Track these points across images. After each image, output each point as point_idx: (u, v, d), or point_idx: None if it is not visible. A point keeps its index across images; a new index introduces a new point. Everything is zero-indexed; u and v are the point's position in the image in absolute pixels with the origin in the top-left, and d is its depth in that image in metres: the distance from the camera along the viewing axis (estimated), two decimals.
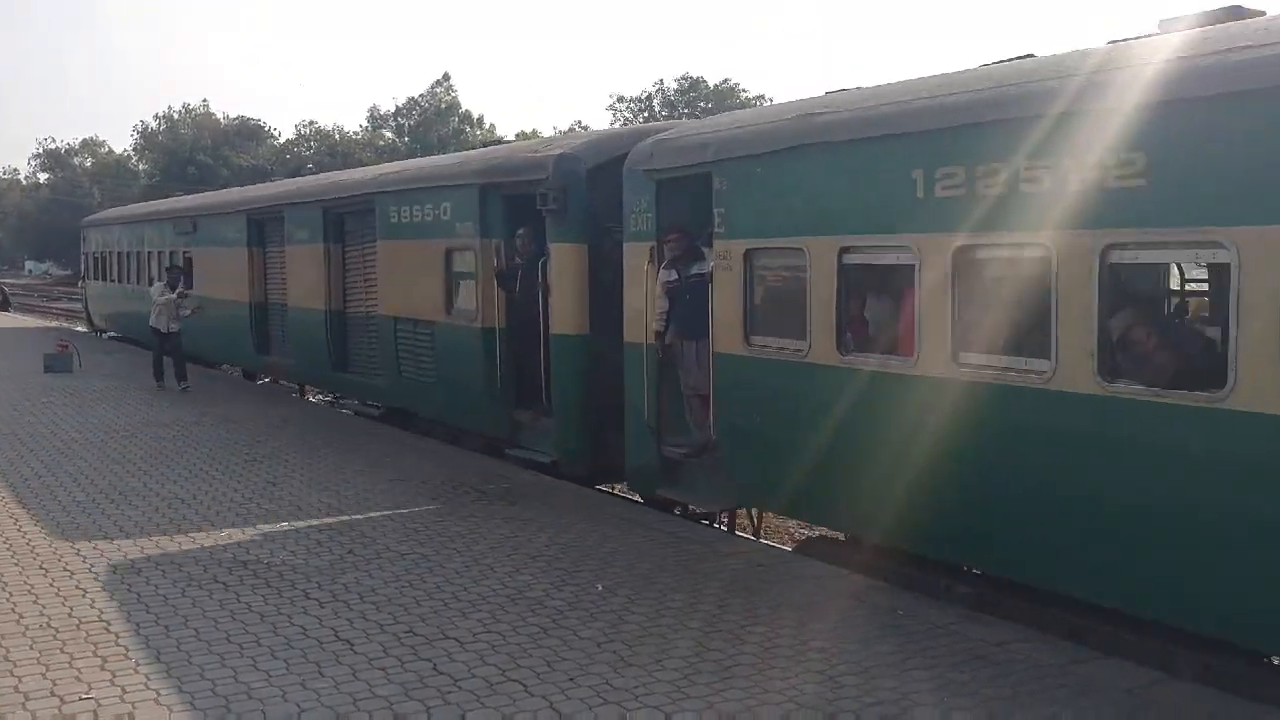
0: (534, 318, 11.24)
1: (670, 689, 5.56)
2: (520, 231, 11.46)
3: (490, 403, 11.92)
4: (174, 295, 17.53)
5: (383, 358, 14.26)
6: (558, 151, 11.07)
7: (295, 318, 17.04)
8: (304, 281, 16.45)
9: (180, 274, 19.05)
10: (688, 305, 9.12)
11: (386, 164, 21.35)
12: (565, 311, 10.76)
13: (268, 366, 19.11)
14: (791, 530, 11.78)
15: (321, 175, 22.22)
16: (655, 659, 5.96)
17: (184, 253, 21.49)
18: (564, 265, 10.75)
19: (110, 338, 28.27)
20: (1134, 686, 5.66)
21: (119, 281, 26.68)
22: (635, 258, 9.68)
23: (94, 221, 32.69)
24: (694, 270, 9.15)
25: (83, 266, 31.90)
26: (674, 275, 9.24)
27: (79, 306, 58.44)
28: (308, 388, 19.14)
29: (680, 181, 9.23)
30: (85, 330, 31.33)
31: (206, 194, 30.25)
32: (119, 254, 26.88)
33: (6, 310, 44.59)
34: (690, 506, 9.83)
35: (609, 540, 8.49)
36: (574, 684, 5.62)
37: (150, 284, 20.43)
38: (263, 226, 18.44)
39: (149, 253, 24.22)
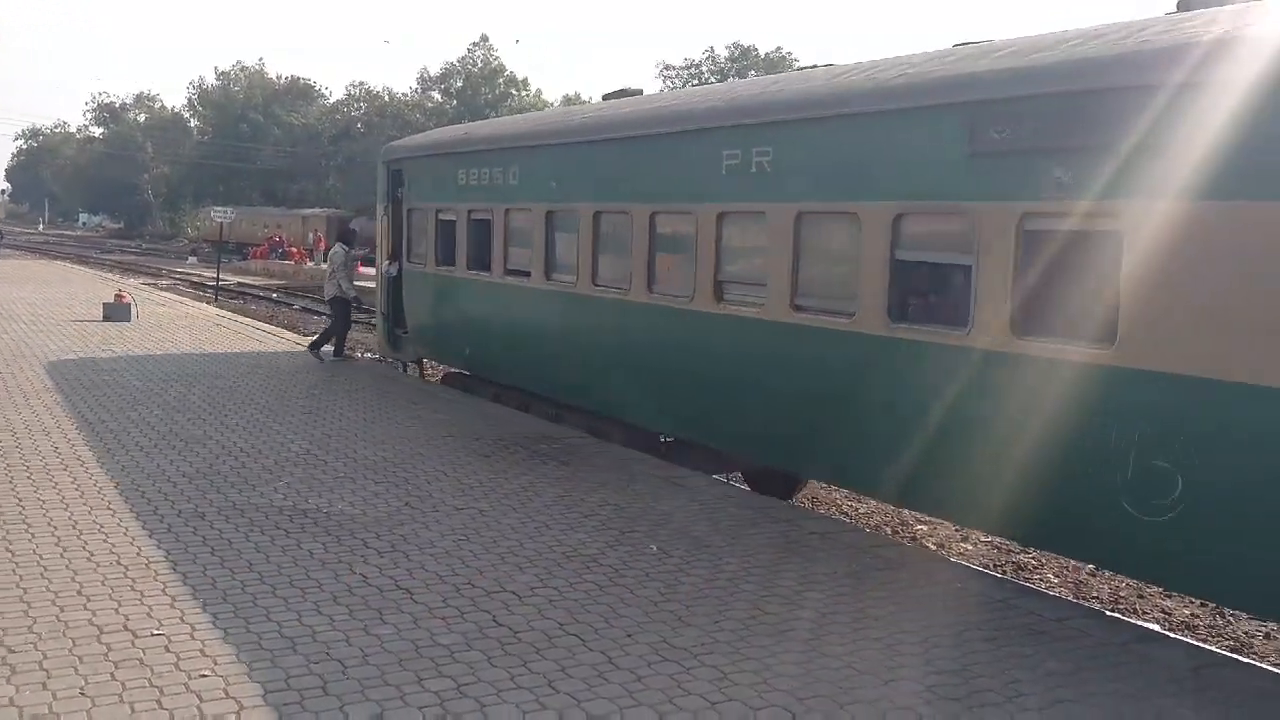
0: None
1: (728, 649, 5.58)
2: None
3: None
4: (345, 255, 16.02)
5: None
6: None
7: None
8: None
9: (354, 234, 17.15)
10: None
11: None
12: None
13: None
14: None
15: None
16: (712, 620, 5.99)
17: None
18: None
19: (449, 376, 15.35)
20: (1200, 665, 5.61)
21: (493, 273, 12.90)
22: None
23: (425, 148, 15.49)
24: None
25: (391, 231, 15.77)
26: None
27: (135, 259, 58.85)
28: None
29: None
30: (371, 355, 18.59)
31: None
32: (497, 215, 12.78)
33: None
34: None
35: (661, 502, 8.52)
36: (632, 640, 5.66)
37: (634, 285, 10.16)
38: None
39: (644, 214, 10.07)
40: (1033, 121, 6.59)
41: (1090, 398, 6.23)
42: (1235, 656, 6.77)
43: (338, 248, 16.52)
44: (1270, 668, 6.58)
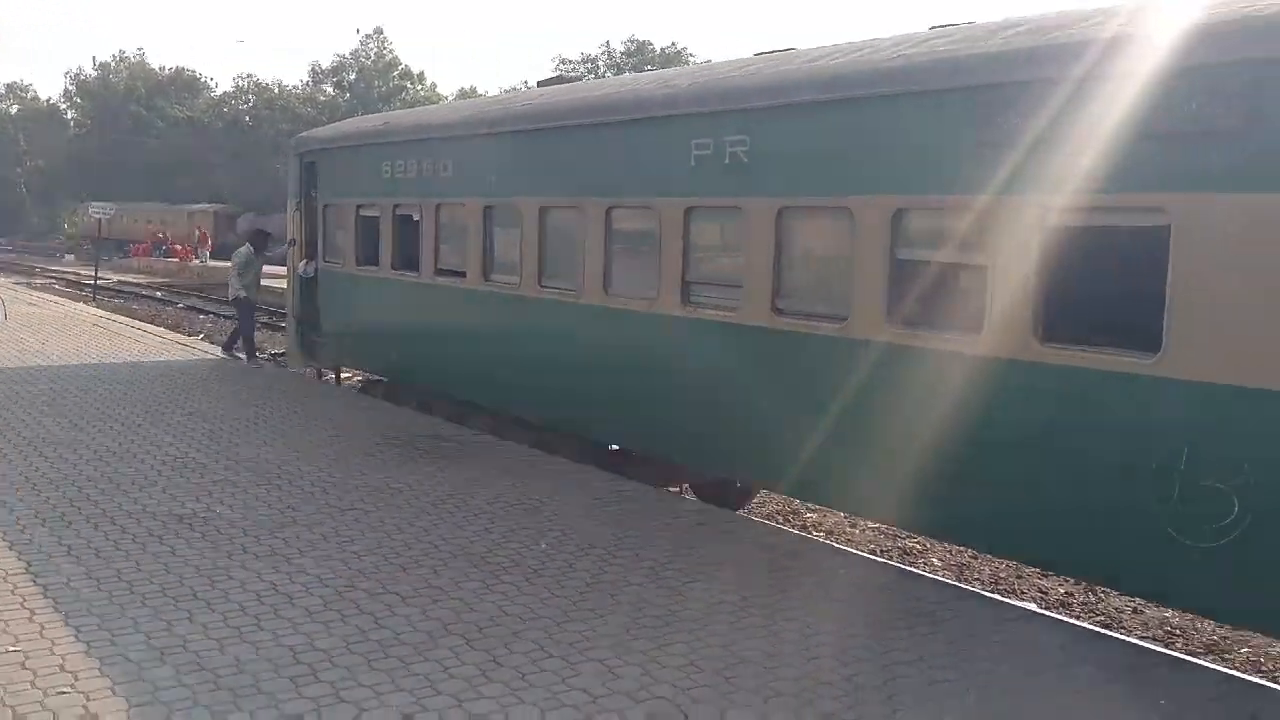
0: None
1: (613, 643, 5.56)
2: None
3: None
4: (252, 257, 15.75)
5: None
6: None
7: None
8: None
9: (266, 238, 16.65)
10: None
11: None
12: None
13: None
14: None
15: None
16: (598, 614, 5.97)
17: None
18: None
19: (370, 384, 14.38)
20: (1066, 641, 5.80)
21: (422, 273, 11.96)
22: None
23: (344, 139, 14.16)
24: None
25: (305, 228, 14.67)
26: None
27: (9, 259, 56.38)
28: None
29: None
30: (286, 365, 16.26)
31: None
32: (427, 211, 11.81)
33: None
34: None
35: (553, 498, 8.46)
36: (517, 638, 5.59)
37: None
38: None
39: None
40: (1054, 106, 5.88)
41: (1128, 411, 5.62)
42: (1106, 632, 7.03)
43: (244, 248, 16.22)
44: (1138, 641, 6.85)
